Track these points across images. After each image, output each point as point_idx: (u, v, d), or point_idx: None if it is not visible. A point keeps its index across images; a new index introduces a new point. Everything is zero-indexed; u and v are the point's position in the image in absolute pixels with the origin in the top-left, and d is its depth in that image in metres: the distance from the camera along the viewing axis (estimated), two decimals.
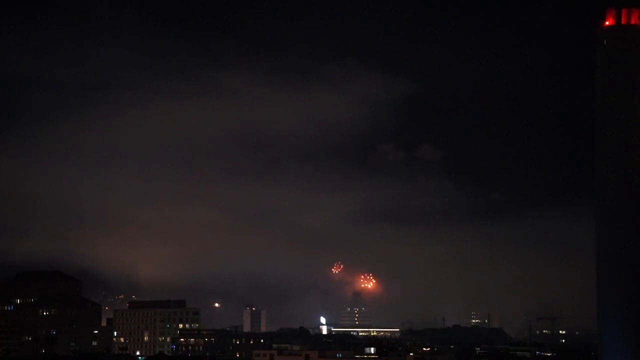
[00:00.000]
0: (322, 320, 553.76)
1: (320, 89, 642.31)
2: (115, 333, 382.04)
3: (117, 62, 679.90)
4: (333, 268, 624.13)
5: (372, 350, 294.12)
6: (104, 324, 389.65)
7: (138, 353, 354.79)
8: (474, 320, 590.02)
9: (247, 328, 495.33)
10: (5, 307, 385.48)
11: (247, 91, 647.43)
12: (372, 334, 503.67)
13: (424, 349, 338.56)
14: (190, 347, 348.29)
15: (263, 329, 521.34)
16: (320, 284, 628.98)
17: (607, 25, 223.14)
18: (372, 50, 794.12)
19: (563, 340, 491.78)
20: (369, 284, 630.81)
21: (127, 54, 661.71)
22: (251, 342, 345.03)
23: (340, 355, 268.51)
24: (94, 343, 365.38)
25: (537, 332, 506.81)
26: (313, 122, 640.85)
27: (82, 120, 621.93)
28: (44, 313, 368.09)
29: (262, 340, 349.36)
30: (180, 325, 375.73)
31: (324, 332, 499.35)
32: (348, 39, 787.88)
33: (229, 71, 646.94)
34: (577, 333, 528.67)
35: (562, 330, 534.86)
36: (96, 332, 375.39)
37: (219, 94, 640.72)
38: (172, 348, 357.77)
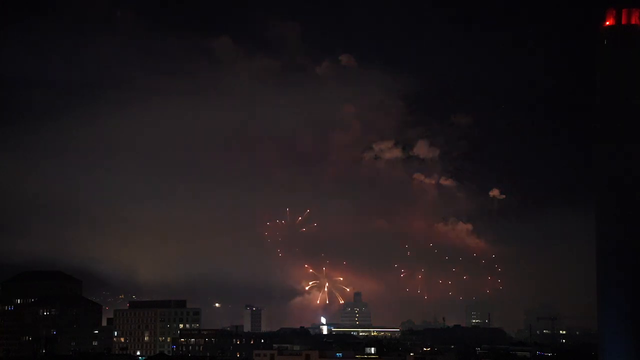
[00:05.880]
0: (322, 320, 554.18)
1: (318, 88, 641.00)
2: (115, 333, 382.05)
3: (114, 60, 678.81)
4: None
5: (373, 350, 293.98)
6: (104, 324, 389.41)
7: (138, 353, 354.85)
8: (474, 320, 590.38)
9: (247, 328, 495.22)
10: (6, 307, 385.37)
11: (245, 90, 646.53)
12: (372, 334, 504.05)
13: (425, 349, 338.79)
14: (190, 347, 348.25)
15: (263, 329, 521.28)
16: (320, 284, 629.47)
17: (607, 25, 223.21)
18: (370, 48, 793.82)
19: (563, 340, 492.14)
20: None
21: (124, 52, 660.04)
22: (251, 342, 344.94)
23: (341, 355, 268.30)
24: (94, 343, 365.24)
25: (537, 332, 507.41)
26: (311, 121, 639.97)
27: (81, 119, 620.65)
28: (44, 313, 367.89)
29: (262, 340, 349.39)
30: (181, 325, 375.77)
31: (324, 332, 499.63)
32: (346, 37, 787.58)
33: (227, 70, 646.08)
34: (577, 333, 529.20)
35: (562, 330, 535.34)
36: (96, 332, 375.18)
37: (217, 93, 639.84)
38: (173, 348, 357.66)
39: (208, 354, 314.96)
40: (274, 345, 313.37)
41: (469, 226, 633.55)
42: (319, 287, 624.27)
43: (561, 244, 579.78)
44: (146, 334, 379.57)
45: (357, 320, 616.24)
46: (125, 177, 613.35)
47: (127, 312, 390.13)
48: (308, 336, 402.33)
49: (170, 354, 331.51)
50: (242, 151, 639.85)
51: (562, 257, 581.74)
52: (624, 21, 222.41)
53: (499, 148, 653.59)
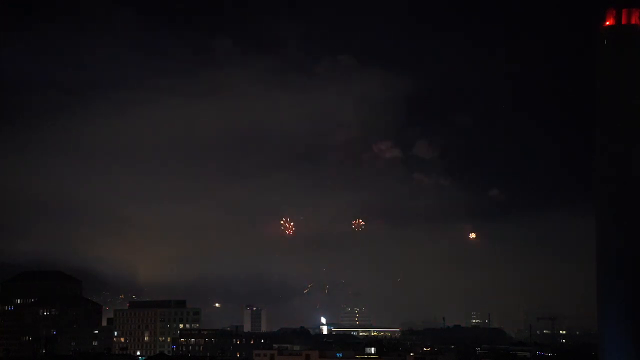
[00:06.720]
0: (323, 320, 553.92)
1: (318, 88, 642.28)
2: (115, 333, 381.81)
3: (115, 61, 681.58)
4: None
5: (373, 350, 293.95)
6: (104, 324, 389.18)
7: (138, 353, 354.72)
8: (474, 320, 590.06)
9: (247, 328, 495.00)
10: (6, 307, 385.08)
11: (245, 90, 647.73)
12: (372, 334, 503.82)
13: (425, 349, 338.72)
14: (190, 347, 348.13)
15: (263, 329, 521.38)
16: (320, 284, 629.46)
17: (607, 25, 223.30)
18: (370, 47, 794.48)
19: (563, 340, 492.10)
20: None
21: (124, 52, 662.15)
22: (251, 342, 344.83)
23: (341, 355, 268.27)
24: (94, 343, 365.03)
25: (537, 332, 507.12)
26: (311, 121, 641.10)
27: (82, 120, 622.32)
28: (44, 313, 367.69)
29: (262, 340, 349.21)
30: (181, 325, 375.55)
31: (324, 332, 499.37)
32: (345, 37, 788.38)
33: (227, 70, 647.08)
34: (577, 333, 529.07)
35: (562, 330, 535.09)
36: (96, 332, 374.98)
37: (217, 93, 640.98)
38: (173, 348, 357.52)
39: (208, 354, 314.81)
40: (274, 345, 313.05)
41: (469, 226, 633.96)
42: (319, 287, 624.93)
43: (561, 244, 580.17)
44: (146, 334, 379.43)
45: (357, 321, 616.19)
46: (126, 177, 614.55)
47: (127, 312, 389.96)
48: (308, 336, 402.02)
49: (170, 354, 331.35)
50: (241, 151, 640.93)
51: (562, 257, 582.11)
52: (624, 21, 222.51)
53: (499, 148, 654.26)
